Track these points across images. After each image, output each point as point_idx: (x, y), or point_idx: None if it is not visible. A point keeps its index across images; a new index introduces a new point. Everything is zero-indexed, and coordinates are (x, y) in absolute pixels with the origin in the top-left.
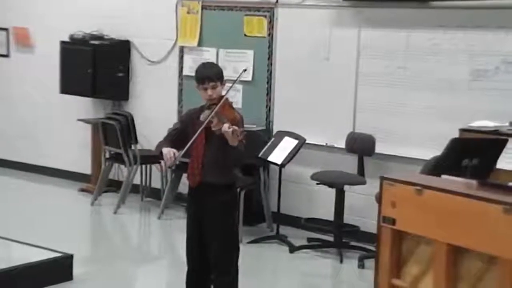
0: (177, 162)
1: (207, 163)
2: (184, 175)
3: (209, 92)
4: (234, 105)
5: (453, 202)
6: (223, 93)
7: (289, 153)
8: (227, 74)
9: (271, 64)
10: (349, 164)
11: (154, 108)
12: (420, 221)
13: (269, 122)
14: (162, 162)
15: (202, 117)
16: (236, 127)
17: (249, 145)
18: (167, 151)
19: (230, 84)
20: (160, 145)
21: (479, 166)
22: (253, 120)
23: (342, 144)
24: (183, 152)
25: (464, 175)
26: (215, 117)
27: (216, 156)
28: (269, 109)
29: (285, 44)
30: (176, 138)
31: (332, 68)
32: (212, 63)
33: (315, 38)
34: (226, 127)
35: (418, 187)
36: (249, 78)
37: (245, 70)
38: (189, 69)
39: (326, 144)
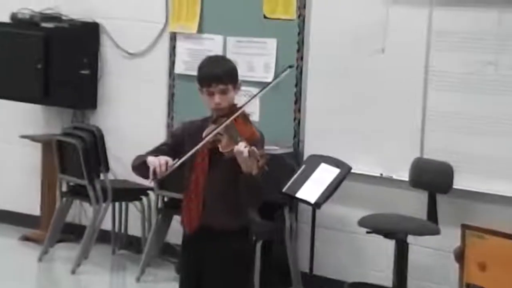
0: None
1: (211, 200)
2: (177, 218)
3: (217, 98)
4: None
5: None
6: (239, 101)
7: (327, 188)
8: (239, 73)
9: (302, 59)
10: (414, 204)
11: (134, 121)
12: None
13: (298, 142)
14: (150, 174)
15: (205, 133)
16: (254, 148)
17: (270, 175)
18: (156, 158)
19: (246, 88)
20: (141, 157)
21: None
22: (276, 139)
23: (404, 176)
24: (179, 162)
25: None
26: (225, 134)
27: (224, 190)
28: (298, 124)
29: (323, 30)
30: (162, 154)
31: (389, 65)
32: (221, 58)
33: (366, 21)
34: (241, 146)
35: None
36: (269, 78)
37: (291, 67)
38: (184, 65)
39: (381, 175)
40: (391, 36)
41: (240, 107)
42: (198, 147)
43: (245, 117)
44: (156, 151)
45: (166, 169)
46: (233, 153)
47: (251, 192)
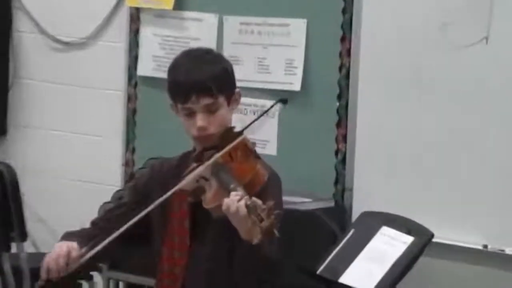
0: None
1: (193, 285)
2: None
3: (200, 121)
4: (260, 151)
5: None
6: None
7: (392, 269)
8: (241, 77)
9: (349, 55)
10: None
11: (68, 157)
12: None
13: (342, 191)
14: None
15: (185, 176)
16: (258, 201)
17: (294, 244)
18: (58, 247)
19: (256, 102)
20: (67, 236)
21: None
22: (306, 186)
23: None
24: (91, 253)
25: None
26: (213, 179)
27: (213, 269)
28: (342, 161)
29: (385, 7)
30: (119, 221)
31: (496, 64)
32: (206, 53)
33: None
34: (232, 199)
35: None
36: (296, 86)
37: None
38: (154, 63)
39: (485, 247)
40: (499, 19)
41: (238, 133)
42: (148, 210)
43: (246, 149)
44: (105, 221)
45: (67, 265)
46: (222, 210)
47: (255, 272)
